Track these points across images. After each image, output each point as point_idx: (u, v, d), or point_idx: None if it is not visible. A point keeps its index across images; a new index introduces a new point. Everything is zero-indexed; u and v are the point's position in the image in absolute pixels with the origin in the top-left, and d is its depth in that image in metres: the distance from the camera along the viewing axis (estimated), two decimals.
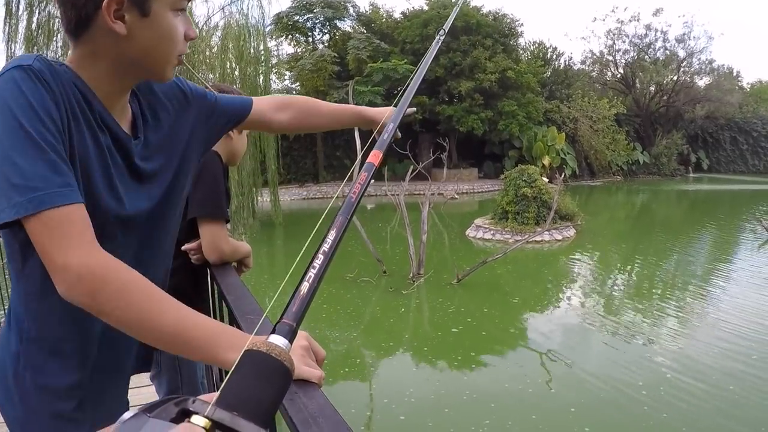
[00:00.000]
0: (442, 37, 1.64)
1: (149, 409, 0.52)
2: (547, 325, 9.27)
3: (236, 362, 0.57)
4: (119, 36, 1.00)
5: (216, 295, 2.30)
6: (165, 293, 0.99)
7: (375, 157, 0.90)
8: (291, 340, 0.63)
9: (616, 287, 11.90)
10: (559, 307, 10.30)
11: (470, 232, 17.08)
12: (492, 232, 16.46)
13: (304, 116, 1.62)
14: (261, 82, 17.93)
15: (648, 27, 41.57)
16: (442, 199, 19.15)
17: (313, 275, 0.70)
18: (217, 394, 0.55)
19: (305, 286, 0.69)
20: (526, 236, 14.30)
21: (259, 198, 18.59)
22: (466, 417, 5.99)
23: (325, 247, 0.73)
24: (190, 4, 1.12)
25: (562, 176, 19.10)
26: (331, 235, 0.75)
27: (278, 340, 0.61)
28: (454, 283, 10.82)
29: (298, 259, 0.83)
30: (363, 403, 6.60)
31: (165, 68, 1.11)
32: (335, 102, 29.00)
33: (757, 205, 23.29)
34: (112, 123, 1.08)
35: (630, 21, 46.29)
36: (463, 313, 9.45)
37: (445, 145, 16.06)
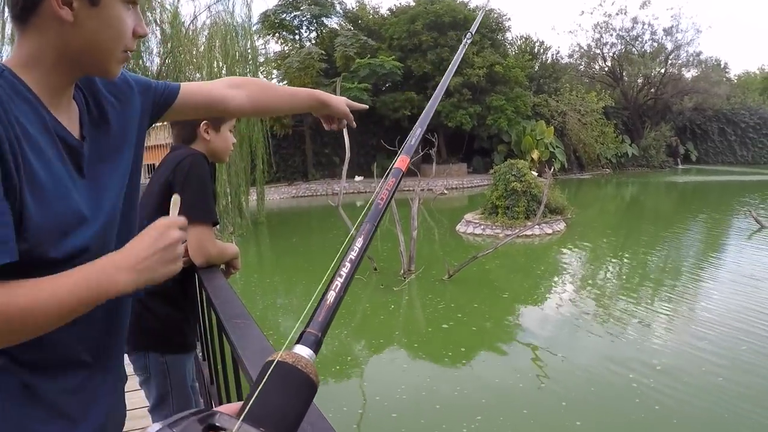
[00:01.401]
0: (469, 41, 1.61)
1: (173, 425, 0.51)
2: (537, 319, 9.28)
3: (264, 373, 0.56)
4: (65, 23, 0.97)
5: (204, 299, 2.28)
6: (35, 283, 0.92)
7: (402, 162, 0.88)
8: (316, 351, 0.62)
9: (606, 280, 11.92)
10: (549, 301, 10.31)
11: (460, 228, 17.09)
12: (482, 227, 16.47)
13: (259, 94, 1.58)
14: None
15: (635, 20, 41.84)
16: (431, 194, 19.16)
17: (339, 284, 0.68)
18: (240, 406, 0.53)
19: (331, 296, 0.66)
20: (517, 231, 14.31)
21: (248, 197, 18.54)
22: (458, 413, 5.99)
23: (352, 255, 0.71)
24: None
25: (552, 170, 19.18)
26: (358, 243, 0.73)
27: (304, 351, 0.60)
28: (445, 279, 10.82)
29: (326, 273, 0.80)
30: (354, 401, 6.59)
31: (110, 62, 1.06)
32: None
33: (745, 196, 23.43)
34: (62, 130, 1.03)
35: (617, 14, 46.49)
36: (453, 309, 9.44)
37: (433, 140, 15.95)
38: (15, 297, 0.89)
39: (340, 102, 1.74)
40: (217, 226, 2.25)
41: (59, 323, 0.95)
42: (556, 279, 12.00)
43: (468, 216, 17.76)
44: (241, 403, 0.56)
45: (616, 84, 42.21)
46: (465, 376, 7.15)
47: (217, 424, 0.51)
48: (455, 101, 31.78)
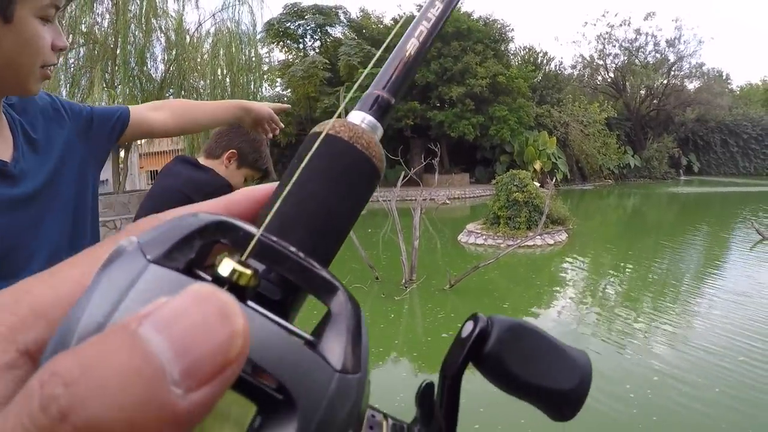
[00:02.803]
0: None
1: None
2: None
3: (306, 151, 0.34)
4: None
5: None
6: None
7: None
8: (384, 124, 0.39)
9: (606, 292, 11.92)
10: (549, 311, 10.31)
11: (462, 238, 17.10)
12: (484, 237, 16.47)
13: (181, 111, 1.59)
14: (252, 89, 17.94)
15: (638, 31, 42.07)
16: (433, 204, 19.18)
17: (426, 31, 0.42)
18: (269, 193, 0.35)
19: (413, 45, 0.41)
20: (518, 241, 14.30)
21: None
22: None
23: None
24: (59, 13, 1.06)
25: (554, 180, 19.19)
26: None
27: (364, 120, 0.39)
28: (446, 288, 10.82)
29: None
30: None
31: (28, 80, 1.04)
32: (325, 107, 29.19)
33: (746, 207, 23.41)
34: None
35: (620, 25, 46.64)
36: (453, 319, 9.45)
37: (436, 150, 16.00)
38: None
39: (263, 106, 1.80)
40: None
41: None
42: (556, 290, 12.00)
43: (470, 226, 17.76)
44: (272, 187, 0.36)
45: (618, 95, 42.31)
46: (463, 385, 7.11)
47: (223, 241, 0.29)
48: (458, 111, 31.85)
